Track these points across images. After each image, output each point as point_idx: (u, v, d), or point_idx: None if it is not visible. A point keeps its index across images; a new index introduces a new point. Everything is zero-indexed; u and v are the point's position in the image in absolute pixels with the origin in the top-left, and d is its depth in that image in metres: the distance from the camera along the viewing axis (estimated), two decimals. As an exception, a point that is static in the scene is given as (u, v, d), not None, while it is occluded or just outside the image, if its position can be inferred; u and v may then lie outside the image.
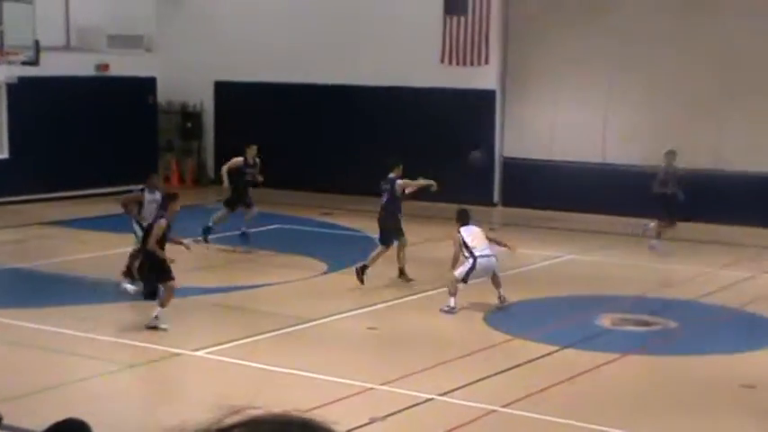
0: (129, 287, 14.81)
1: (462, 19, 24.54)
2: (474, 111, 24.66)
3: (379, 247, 15.98)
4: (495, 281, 14.64)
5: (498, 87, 24.73)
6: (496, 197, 24.65)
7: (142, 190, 15.65)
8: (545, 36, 24.11)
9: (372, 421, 9.98)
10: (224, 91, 27.46)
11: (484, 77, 24.60)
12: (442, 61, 24.84)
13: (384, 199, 16.27)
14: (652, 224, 18.96)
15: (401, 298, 15.21)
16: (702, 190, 21.87)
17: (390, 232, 16.02)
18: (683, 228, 19.96)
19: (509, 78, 24.74)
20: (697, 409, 10.66)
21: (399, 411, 10.32)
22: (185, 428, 1.27)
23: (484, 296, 15.01)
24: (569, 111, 23.99)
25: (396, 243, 16.01)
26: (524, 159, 24.28)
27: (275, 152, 26.29)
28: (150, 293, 13.73)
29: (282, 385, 11.19)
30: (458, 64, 24.74)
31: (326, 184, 25.45)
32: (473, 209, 15.42)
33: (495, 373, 11.59)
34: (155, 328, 13.02)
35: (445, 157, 23.19)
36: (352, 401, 10.63)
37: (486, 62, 24.56)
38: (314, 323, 13.70)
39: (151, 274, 13.50)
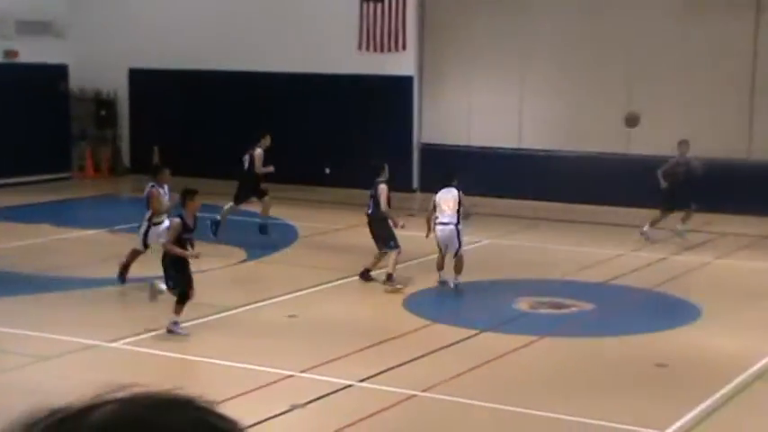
0: (161, 286, 13.01)
1: (379, 5, 24.56)
2: (392, 97, 24.71)
3: (394, 251, 15.01)
4: (456, 263, 14.63)
5: (416, 73, 24.81)
6: (415, 183, 24.76)
7: (153, 186, 14.73)
8: (461, 22, 24.24)
9: (293, 408, 9.98)
10: (139, 78, 27.10)
11: (401, 64, 24.66)
12: (360, 48, 24.85)
13: (370, 207, 15.25)
14: (645, 227, 18.61)
15: (320, 285, 15.19)
16: (613, 175, 22.30)
17: (391, 235, 15.13)
18: (595, 211, 20.26)
19: (426, 64, 24.83)
20: (612, 389, 10.85)
21: (320, 398, 10.34)
22: (72, 404, 1.26)
23: (403, 281, 15.08)
24: (485, 96, 24.18)
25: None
26: (442, 145, 24.41)
27: (191, 140, 26.11)
28: (182, 292, 12.46)
29: (201, 375, 11.12)
30: (375, 50, 24.77)
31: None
32: (392, 196, 15.42)
33: (414, 358, 11.66)
34: (173, 332, 12.30)
35: (363, 143, 23.22)
36: (273, 389, 10.61)
37: (404, 48, 24.62)
38: (233, 312, 13.63)
39: (174, 271, 12.53)
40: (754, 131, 22.14)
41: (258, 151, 18.31)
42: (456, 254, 14.69)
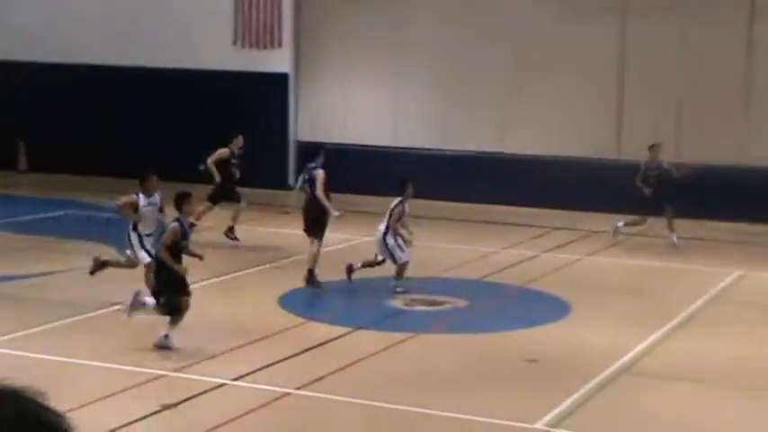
0: (148, 300, 12.19)
1: (254, 1, 24.39)
2: (267, 94, 24.56)
3: (316, 243, 14.86)
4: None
5: (291, 71, 24.73)
6: (291, 181, 24.66)
7: (137, 194, 13.70)
8: (337, 19, 24.26)
9: (164, 408, 9.82)
10: (7, 71, 26.30)
11: (277, 60, 24.54)
12: (235, 44, 24.64)
13: (307, 191, 15.12)
14: (620, 223, 18.71)
15: (194, 283, 14.99)
16: (486, 174, 22.63)
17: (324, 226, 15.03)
18: (469, 209, 20.52)
19: (302, 61, 24.76)
20: (484, 384, 11.00)
21: (192, 397, 10.20)
22: None
23: (277, 279, 15.01)
24: (362, 94, 24.26)
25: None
26: (318, 143, 24.36)
27: (61, 136, 25.47)
28: (172, 309, 11.77)
29: (71, 375, 10.85)
30: (251, 47, 24.59)
31: (115, 169, 24.80)
32: (267, 193, 15.33)
33: (289, 357, 11.61)
34: (166, 347, 11.69)
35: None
36: (144, 389, 10.43)
37: (279, 45, 24.51)
38: (103, 311, 13.35)
39: (168, 287, 11.77)
40: (623, 133, 22.73)
41: (223, 150, 18.25)
42: (393, 261, 14.89)
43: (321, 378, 10.84)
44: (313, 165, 15.30)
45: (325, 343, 12.24)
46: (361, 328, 12.97)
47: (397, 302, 14.41)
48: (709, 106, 22.03)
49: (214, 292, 14.69)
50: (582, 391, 10.62)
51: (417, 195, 15.85)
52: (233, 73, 24.49)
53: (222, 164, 18.07)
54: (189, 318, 12.11)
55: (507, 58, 23.21)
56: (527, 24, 23.04)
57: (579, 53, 22.79)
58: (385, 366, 11.57)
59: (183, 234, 11.89)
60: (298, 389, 10.55)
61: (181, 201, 11.99)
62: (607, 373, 11.27)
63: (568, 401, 10.28)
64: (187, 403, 10.04)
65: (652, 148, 18.90)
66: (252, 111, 24.21)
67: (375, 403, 10.21)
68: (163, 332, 11.69)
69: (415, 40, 23.73)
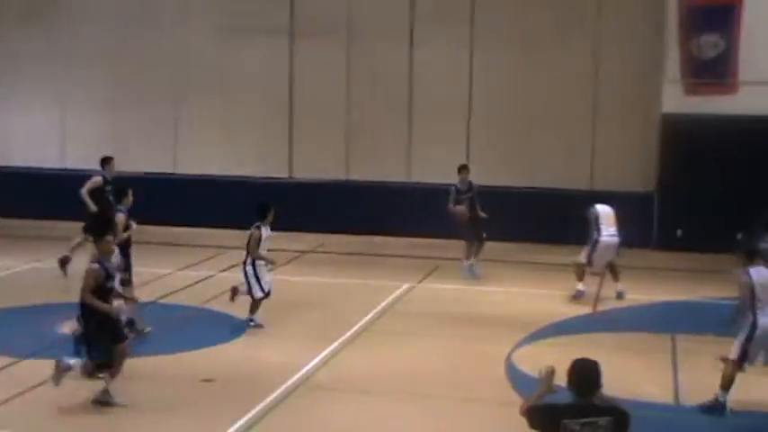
0: (70, 361, 10.67)
1: None
2: None
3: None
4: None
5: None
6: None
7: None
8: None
9: None
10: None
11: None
12: None
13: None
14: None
15: None
16: (160, 194, 22.28)
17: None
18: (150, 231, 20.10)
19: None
20: (160, 407, 10.75)
21: None
22: None
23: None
24: (26, 114, 23.24)
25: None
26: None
27: None
28: (102, 363, 10.47)
29: None
30: None
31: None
32: None
33: (-52, 391, 10.85)
34: (107, 403, 10.52)
35: None
36: None
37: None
38: None
39: (101, 335, 10.44)
40: (294, 153, 23.11)
41: (98, 179, 16.87)
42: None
43: (-16, 412, 10.21)
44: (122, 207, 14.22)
45: (-12, 375, 11.54)
46: (28, 357, 12.33)
47: (67, 329, 13.81)
48: (377, 126, 22.86)
49: None
50: (259, 407, 10.62)
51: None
52: None
53: (96, 192, 16.73)
54: None
55: (178, 76, 23.03)
56: (196, 42, 23.00)
57: (249, 73, 23.00)
58: (52, 395, 11.02)
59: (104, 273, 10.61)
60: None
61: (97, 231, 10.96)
62: (283, 388, 11.35)
63: (245, 419, 10.25)
64: None
65: (461, 169, 18.31)
66: None
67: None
68: (104, 384, 10.62)
69: (80, 57, 23.07)
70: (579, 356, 6.30)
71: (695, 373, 12.50)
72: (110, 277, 10.59)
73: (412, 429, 10.48)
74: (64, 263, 16.88)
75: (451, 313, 15.55)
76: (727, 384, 10.86)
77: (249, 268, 14.22)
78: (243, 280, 14.28)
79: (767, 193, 20.17)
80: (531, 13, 22.20)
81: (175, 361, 12.63)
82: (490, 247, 18.39)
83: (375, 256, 20.29)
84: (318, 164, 22.81)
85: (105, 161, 17.25)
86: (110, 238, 10.91)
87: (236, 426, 10.05)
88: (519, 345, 13.66)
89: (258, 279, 14.21)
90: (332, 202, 22.40)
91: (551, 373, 6.33)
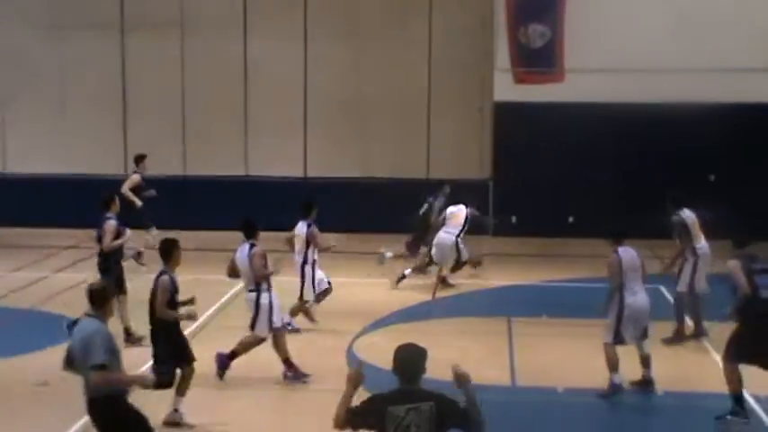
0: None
1: None
2: None
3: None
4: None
5: None
6: None
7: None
8: None
9: None
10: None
11: None
12: None
13: None
14: (389, 253, 17.75)
15: None
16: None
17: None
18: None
19: None
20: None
21: None
22: None
23: None
24: None
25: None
26: None
27: None
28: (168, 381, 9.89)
29: None
30: None
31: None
32: None
33: None
34: (177, 424, 10.11)
35: None
36: None
37: None
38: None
39: (167, 350, 10.07)
40: (128, 150, 22.67)
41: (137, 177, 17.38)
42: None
43: None
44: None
45: None
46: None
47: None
48: (212, 122, 22.64)
49: None
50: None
51: None
52: None
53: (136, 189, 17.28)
54: None
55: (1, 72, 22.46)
56: (17, 37, 22.40)
57: (78, 67, 22.49)
58: None
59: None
60: None
61: (165, 251, 10.30)
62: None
63: (80, 423, 10.01)
64: None
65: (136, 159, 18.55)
66: None
67: None
68: (175, 404, 10.26)
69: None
70: (404, 342, 6.30)
71: (530, 354, 12.84)
72: (177, 290, 10.29)
73: (249, 420, 10.44)
74: (138, 257, 16.65)
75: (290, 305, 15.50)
76: (614, 366, 11.04)
77: (308, 268, 13.78)
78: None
79: (597, 177, 20.90)
80: (363, 5, 22.36)
81: (6, 365, 12.24)
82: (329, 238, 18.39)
83: (212, 251, 20.03)
84: (155, 160, 22.42)
85: (139, 159, 17.68)
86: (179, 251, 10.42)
87: (76, 426, 9.81)
88: (360, 334, 13.75)
89: (312, 279, 13.78)
90: (171, 199, 22.04)
91: (358, 373, 6.23)
